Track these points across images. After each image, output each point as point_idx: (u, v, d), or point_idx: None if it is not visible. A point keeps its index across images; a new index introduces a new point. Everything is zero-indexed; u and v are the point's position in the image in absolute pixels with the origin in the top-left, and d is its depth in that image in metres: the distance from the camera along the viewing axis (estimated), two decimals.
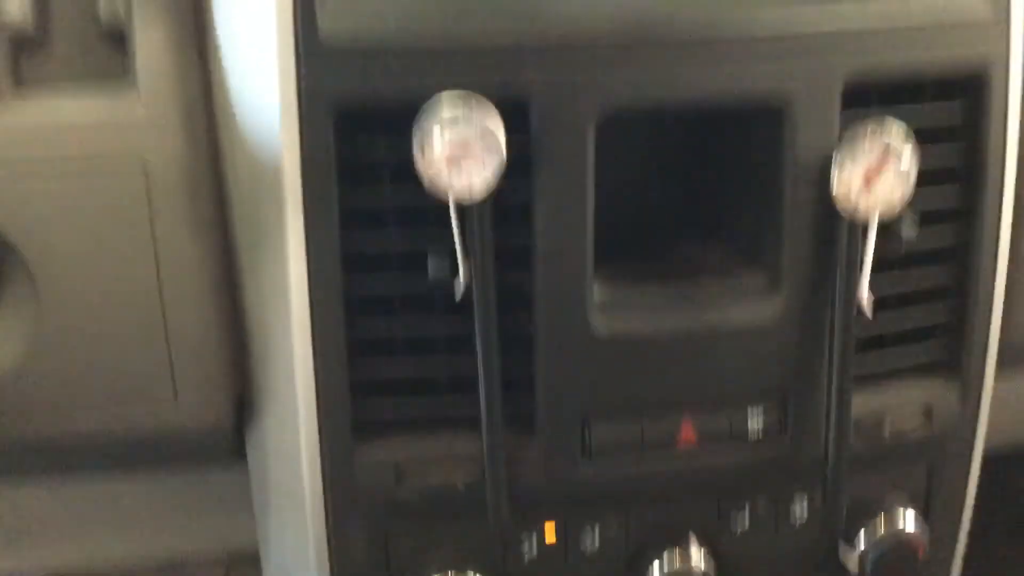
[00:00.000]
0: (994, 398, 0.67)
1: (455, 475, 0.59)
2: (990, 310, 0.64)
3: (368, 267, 0.56)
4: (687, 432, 0.60)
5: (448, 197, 0.52)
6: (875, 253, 0.57)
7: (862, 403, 0.61)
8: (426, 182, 0.52)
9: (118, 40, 0.59)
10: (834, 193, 0.55)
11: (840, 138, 0.55)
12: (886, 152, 0.55)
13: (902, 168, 0.55)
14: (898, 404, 0.63)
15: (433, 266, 0.55)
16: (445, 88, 0.52)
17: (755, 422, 0.61)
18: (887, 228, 0.58)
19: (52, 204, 0.56)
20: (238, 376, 0.62)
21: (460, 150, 0.51)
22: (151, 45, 0.57)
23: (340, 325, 0.56)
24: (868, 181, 0.55)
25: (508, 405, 0.57)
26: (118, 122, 0.57)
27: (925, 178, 0.58)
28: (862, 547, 0.64)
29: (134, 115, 0.57)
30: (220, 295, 0.60)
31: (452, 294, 0.55)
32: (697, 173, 0.65)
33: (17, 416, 0.59)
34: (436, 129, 0.51)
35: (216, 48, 0.58)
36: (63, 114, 0.57)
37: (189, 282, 0.58)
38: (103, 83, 0.58)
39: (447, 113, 0.51)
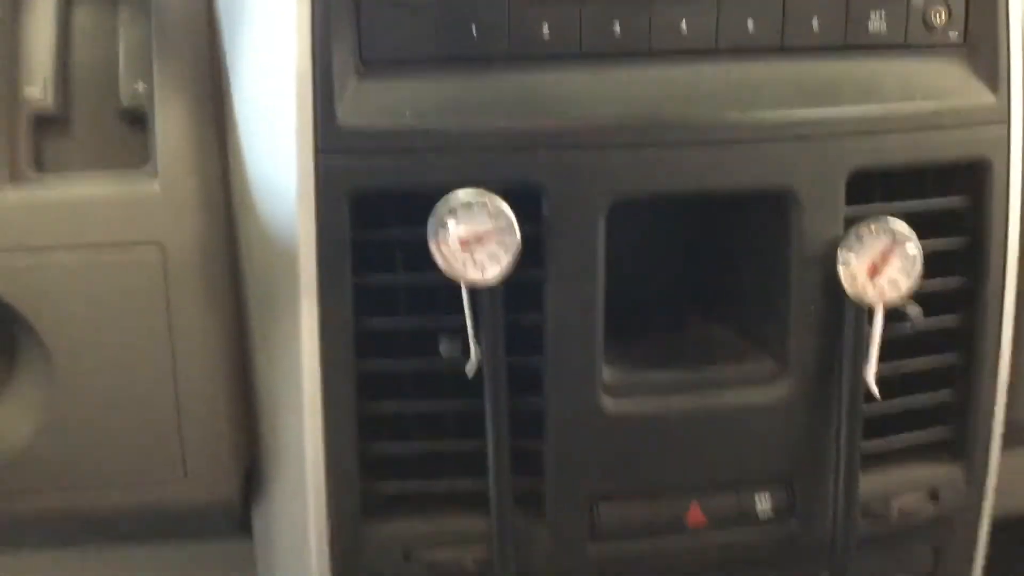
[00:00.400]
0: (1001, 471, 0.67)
1: (464, 554, 0.58)
2: (994, 392, 0.64)
3: (380, 346, 0.57)
4: (696, 513, 0.60)
5: (462, 283, 0.53)
6: (882, 337, 0.58)
7: (868, 484, 0.62)
8: (442, 268, 0.53)
9: (138, 122, 0.60)
10: (841, 282, 0.56)
11: (846, 227, 0.57)
12: (892, 241, 0.56)
13: (908, 257, 0.56)
14: (904, 485, 0.64)
15: (445, 347, 0.55)
16: (460, 176, 0.53)
17: (763, 504, 0.61)
18: (894, 311, 0.59)
19: (70, 282, 0.57)
20: (247, 452, 0.63)
21: (474, 239, 0.52)
22: (171, 128, 0.58)
23: (351, 403, 0.56)
24: (874, 270, 0.56)
25: (517, 484, 0.57)
26: (137, 203, 0.58)
27: (929, 263, 0.59)
28: None
29: (152, 197, 0.58)
30: (232, 372, 0.60)
31: (463, 374, 0.55)
32: (706, 256, 0.66)
33: (31, 491, 0.59)
34: (451, 220, 0.52)
35: (235, 130, 0.60)
36: (83, 195, 0.58)
37: (202, 359, 0.59)
38: (123, 165, 0.59)
39: (462, 204, 0.52)
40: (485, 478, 0.56)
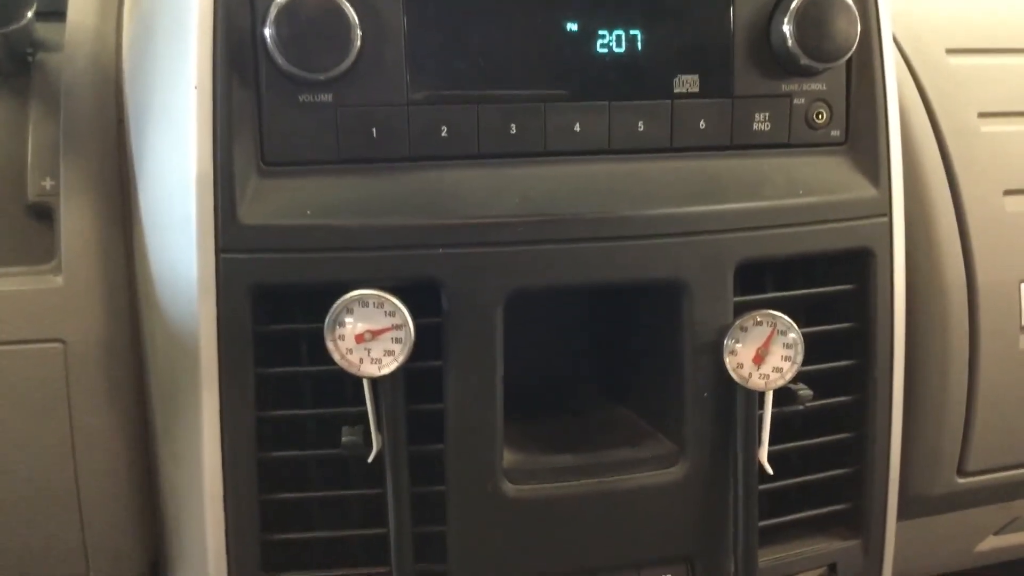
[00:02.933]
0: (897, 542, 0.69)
1: None
2: (887, 466, 0.67)
3: (283, 435, 0.58)
4: None
5: (360, 375, 0.54)
6: (774, 416, 0.61)
7: (769, 560, 0.64)
8: (338, 362, 0.54)
9: (46, 218, 0.61)
10: (728, 368, 0.59)
11: (738, 315, 0.59)
12: (774, 331, 0.58)
13: (790, 345, 0.59)
14: (804, 560, 0.66)
15: (346, 436, 0.56)
16: (360, 272, 0.54)
17: None
18: (786, 394, 0.62)
19: None
20: (151, 544, 0.62)
21: (370, 335, 0.53)
22: (76, 225, 0.59)
23: (252, 492, 0.57)
24: (759, 358, 0.59)
25: (421, 570, 0.58)
26: (40, 300, 0.58)
27: (824, 346, 0.62)
28: None
29: (56, 293, 0.58)
30: (135, 466, 0.60)
31: (365, 461, 0.57)
32: (609, 341, 0.68)
33: None
34: (347, 317, 0.53)
35: (140, 227, 0.61)
36: None
37: (104, 455, 0.59)
38: (28, 260, 0.60)
39: (358, 301, 0.53)
40: (389, 565, 0.57)
